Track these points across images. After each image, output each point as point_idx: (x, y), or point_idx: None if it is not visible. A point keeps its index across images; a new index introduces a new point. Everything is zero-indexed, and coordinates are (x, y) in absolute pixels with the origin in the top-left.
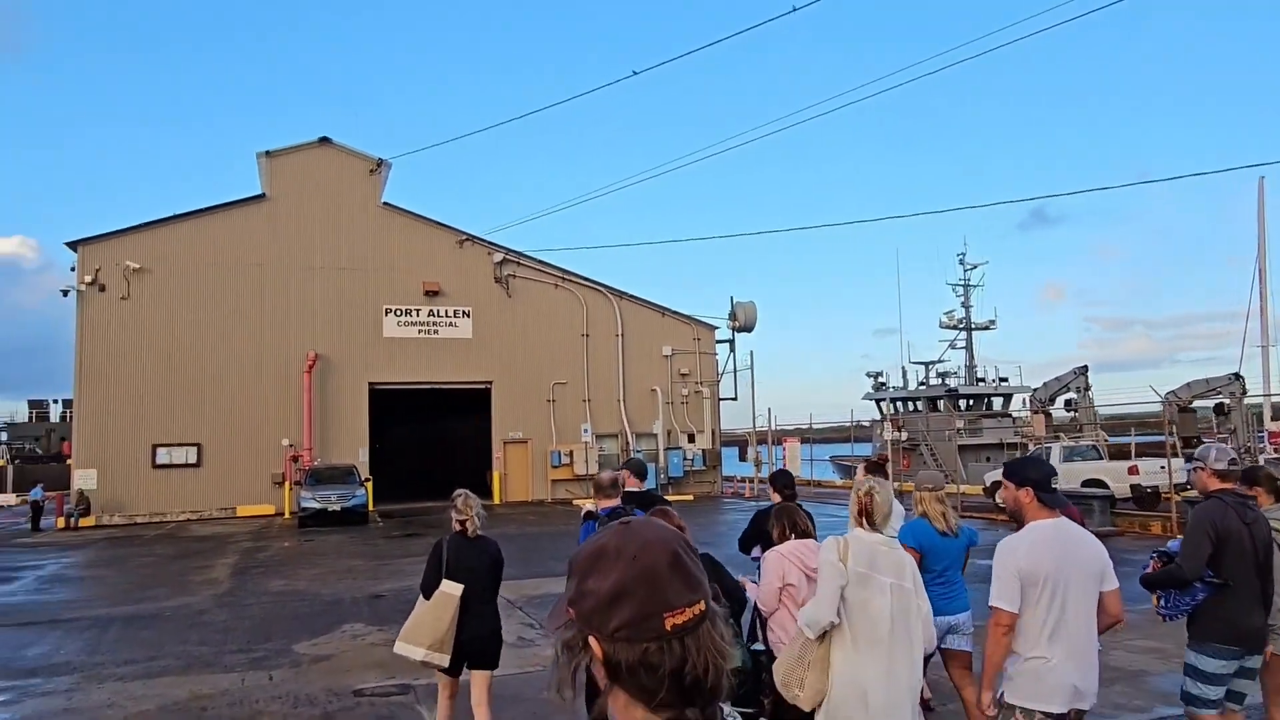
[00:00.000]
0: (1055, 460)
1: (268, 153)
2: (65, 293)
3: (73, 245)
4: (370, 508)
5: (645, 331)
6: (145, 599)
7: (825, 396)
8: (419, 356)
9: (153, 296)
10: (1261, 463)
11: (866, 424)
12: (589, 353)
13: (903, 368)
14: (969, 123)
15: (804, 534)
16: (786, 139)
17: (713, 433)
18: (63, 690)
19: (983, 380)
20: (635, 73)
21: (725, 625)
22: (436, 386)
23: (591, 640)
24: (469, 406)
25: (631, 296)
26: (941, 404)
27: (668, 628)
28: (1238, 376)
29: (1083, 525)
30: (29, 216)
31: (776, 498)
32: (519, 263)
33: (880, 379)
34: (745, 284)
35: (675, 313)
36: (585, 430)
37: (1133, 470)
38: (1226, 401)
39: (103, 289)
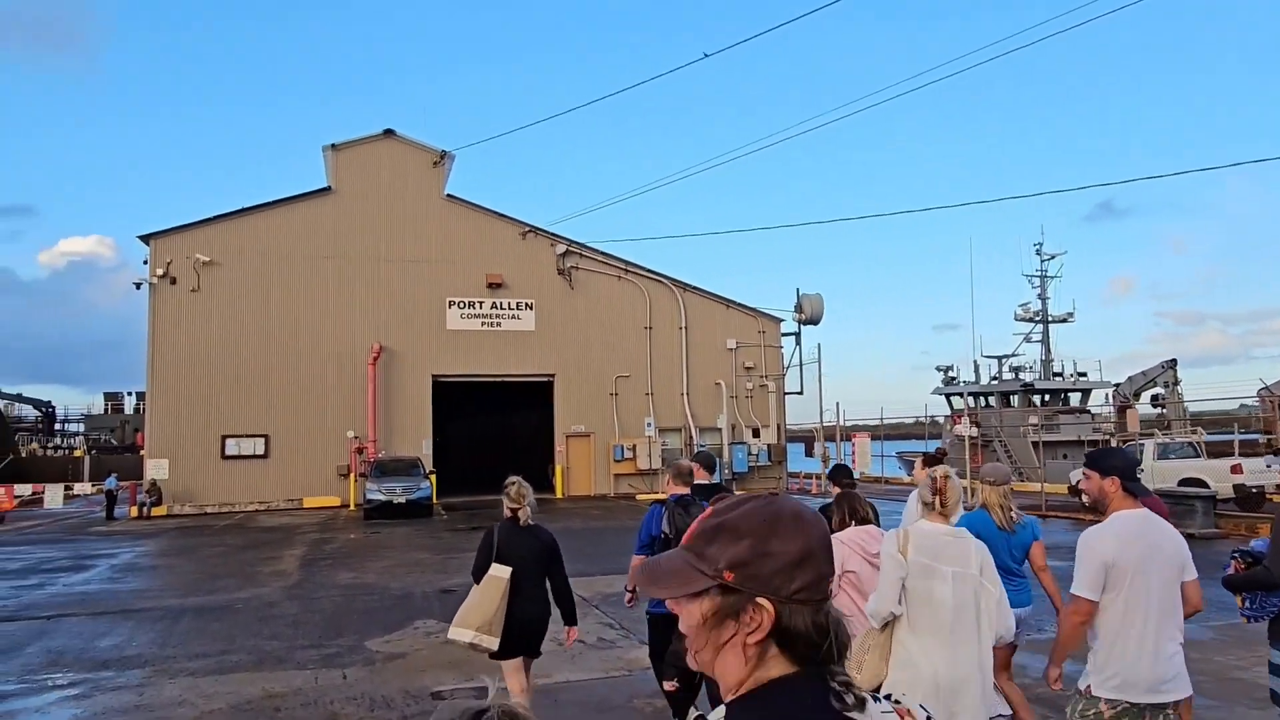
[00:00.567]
0: (1149, 458)
1: (333, 146)
2: (138, 285)
3: (145, 239)
4: (434, 500)
5: (709, 324)
6: (216, 590)
7: (880, 393)
8: (482, 349)
9: (222, 289)
10: None
11: (940, 419)
12: (652, 345)
13: (975, 361)
14: (1036, 113)
15: (864, 521)
16: (855, 124)
17: (778, 428)
18: (134, 685)
19: (1059, 375)
20: (706, 55)
21: None
22: (499, 379)
23: (763, 602)
24: (531, 399)
25: (695, 288)
26: (1016, 399)
27: (829, 590)
28: None
29: (1166, 518)
30: (106, 215)
31: (837, 491)
32: (582, 254)
33: (950, 373)
34: (809, 276)
35: (740, 305)
36: (648, 424)
37: (1235, 469)
38: None
39: (174, 282)
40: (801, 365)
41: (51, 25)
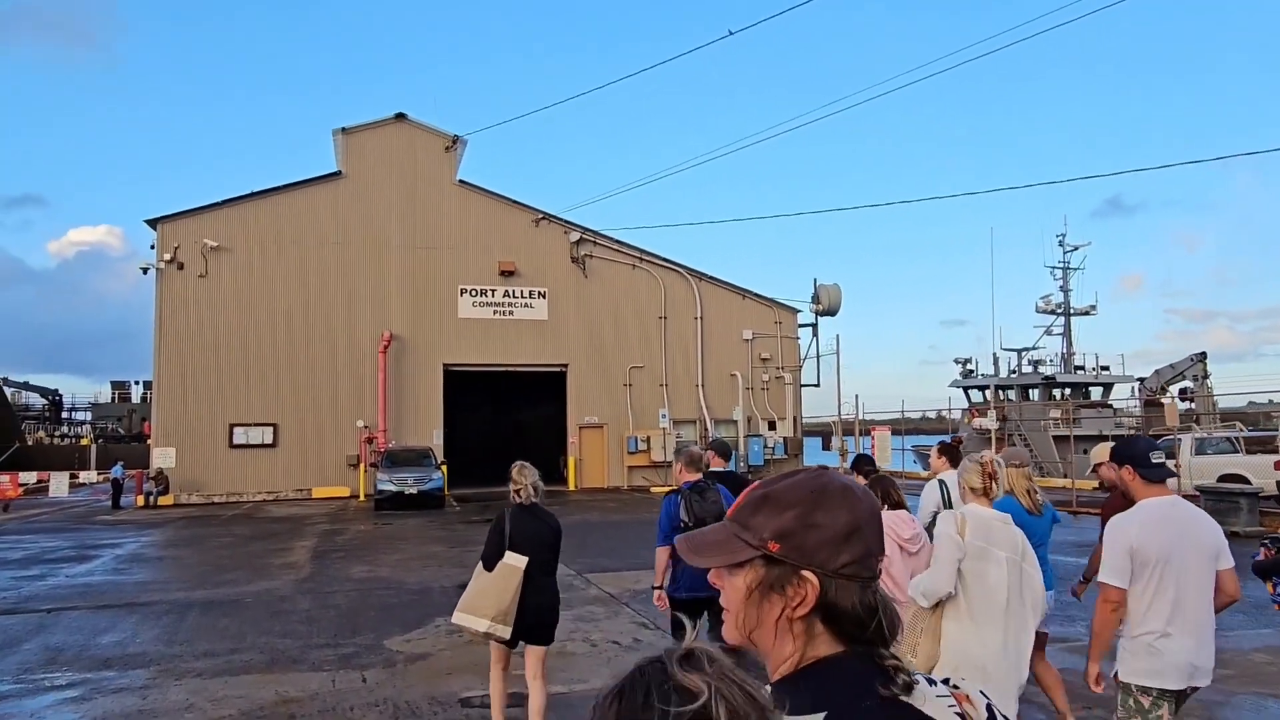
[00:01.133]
0: (1185, 454)
1: (344, 129)
2: (145, 270)
3: (152, 223)
4: (445, 492)
5: (725, 314)
6: (224, 582)
7: (888, 388)
8: (493, 338)
9: (230, 274)
10: None
11: (958, 413)
12: (667, 336)
13: (994, 354)
14: (1044, 109)
15: (897, 505)
16: (870, 112)
17: (794, 420)
18: (137, 687)
19: (1081, 368)
20: (731, 32)
21: None
22: (511, 369)
23: (807, 575)
24: (543, 390)
25: (711, 278)
26: (1036, 393)
27: (877, 569)
28: None
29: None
30: (116, 205)
31: (862, 480)
32: (596, 242)
33: (968, 365)
34: (819, 268)
35: (756, 295)
36: (663, 416)
37: (1279, 465)
38: None
39: (181, 267)
40: (819, 357)
41: (69, 19)
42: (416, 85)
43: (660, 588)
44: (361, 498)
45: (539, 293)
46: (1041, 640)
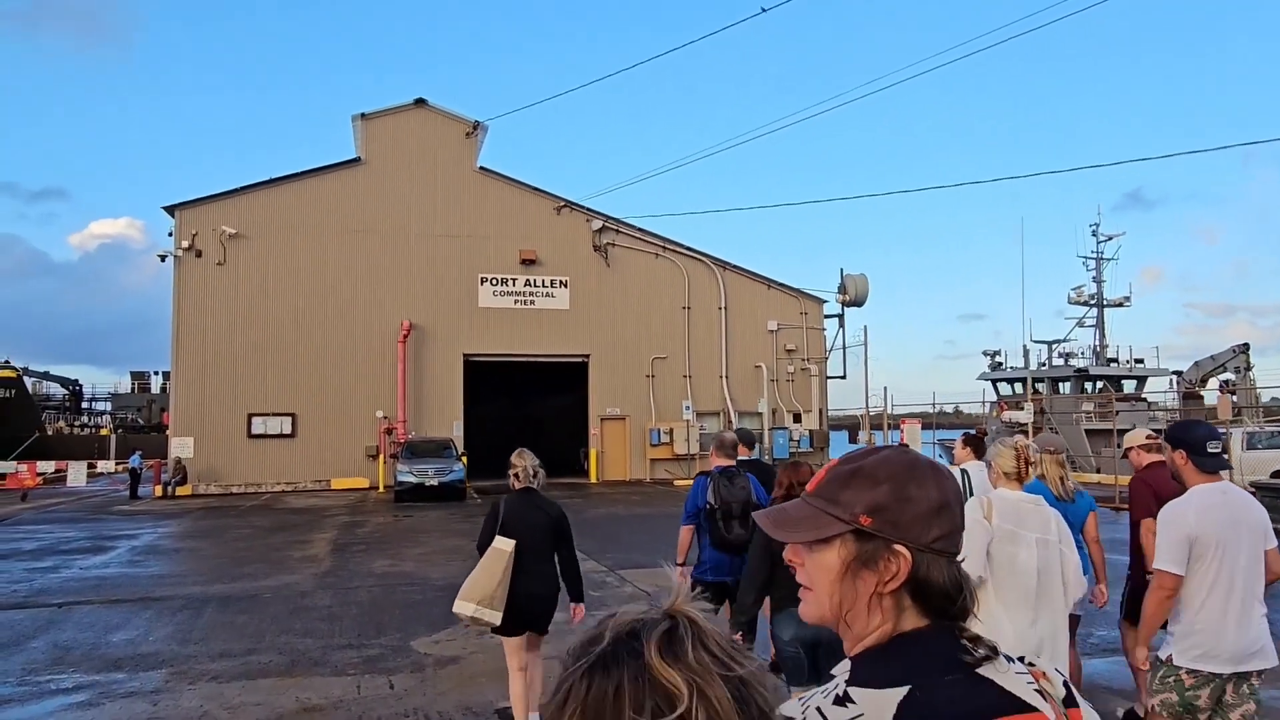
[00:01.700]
0: (1235, 449)
1: (363, 115)
2: (163, 258)
3: (170, 210)
4: (466, 483)
5: (749, 304)
6: (242, 576)
7: (905, 382)
8: (514, 327)
9: (248, 262)
10: None
11: (987, 406)
12: (690, 326)
13: (1024, 346)
14: (1060, 101)
15: None
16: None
17: (820, 412)
18: (148, 691)
19: (1114, 361)
20: (764, 10)
21: None
22: (531, 359)
23: (900, 549)
24: (565, 381)
25: (735, 267)
26: (1067, 385)
27: (960, 545)
28: None
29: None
30: (137, 197)
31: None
32: (618, 230)
33: (997, 358)
34: (841, 259)
35: (781, 285)
36: (686, 407)
37: None
38: None
39: (199, 254)
40: (845, 349)
41: (86, 12)
42: (436, 72)
43: (683, 564)
44: (381, 489)
45: (560, 282)
46: (1073, 624)
